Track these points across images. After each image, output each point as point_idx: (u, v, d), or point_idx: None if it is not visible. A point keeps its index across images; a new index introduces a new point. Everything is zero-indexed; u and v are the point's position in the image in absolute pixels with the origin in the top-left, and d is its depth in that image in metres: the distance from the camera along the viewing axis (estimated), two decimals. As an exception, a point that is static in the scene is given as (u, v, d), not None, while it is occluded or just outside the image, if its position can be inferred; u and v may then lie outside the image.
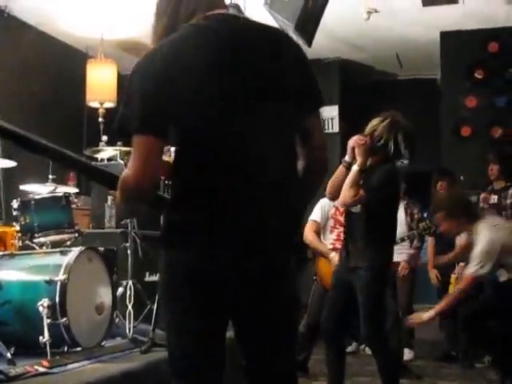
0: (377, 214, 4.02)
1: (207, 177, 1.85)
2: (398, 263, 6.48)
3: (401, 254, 6.49)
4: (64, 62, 7.57)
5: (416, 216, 6.42)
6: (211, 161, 1.85)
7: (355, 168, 4.01)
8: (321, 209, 5.55)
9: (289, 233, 1.96)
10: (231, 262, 1.84)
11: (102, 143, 5.77)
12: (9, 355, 3.47)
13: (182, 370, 1.95)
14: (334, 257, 5.36)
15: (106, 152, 5.40)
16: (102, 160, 5.64)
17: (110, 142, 5.59)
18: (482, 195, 6.21)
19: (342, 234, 5.44)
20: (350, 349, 6.81)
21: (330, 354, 4.28)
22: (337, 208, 5.51)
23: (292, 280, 1.99)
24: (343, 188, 3.99)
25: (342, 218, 5.48)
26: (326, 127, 8.66)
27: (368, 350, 6.70)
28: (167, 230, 1.94)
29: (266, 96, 1.88)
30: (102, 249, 4.34)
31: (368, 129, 4.14)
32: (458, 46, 7.75)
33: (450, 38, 7.75)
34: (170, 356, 1.99)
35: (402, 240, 6.01)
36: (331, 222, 5.56)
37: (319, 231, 5.58)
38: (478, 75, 7.66)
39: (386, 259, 4.11)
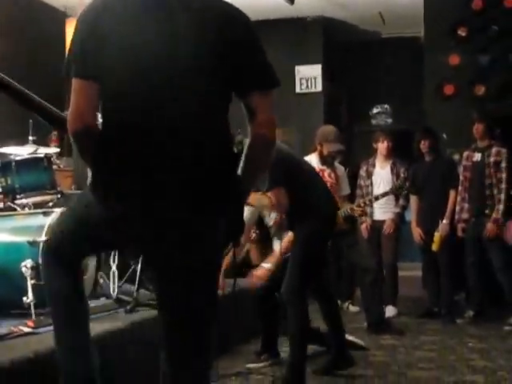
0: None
1: (120, 132, 1.97)
2: (382, 221, 6.53)
3: (386, 212, 6.54)
4: (42, 22, 7.44)
5: (402, 175, 6.44)
6: (128, 118, 1.96)
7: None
8: None
9: (206, 194, 1.99)
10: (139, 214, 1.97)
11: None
12: (-8, 316, 3.46)
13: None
14: None
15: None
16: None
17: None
18: (466, 153, 6.23)
19: None
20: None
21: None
22: (322, 171, 5.51)
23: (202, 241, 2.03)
24: None
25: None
26: (309, 86, 8.63)
27: (352, 308, 6.78)
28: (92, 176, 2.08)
29: (192, 64, 1.96)
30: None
31: None
32: (442, 3, 7.70)
33: (433, -4, 7.71)
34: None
35: (376, 198, 6.04)
36: None
37: None
38: (462, 33, 7.63)
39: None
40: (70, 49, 2.01)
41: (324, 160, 5.52)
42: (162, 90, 1.96)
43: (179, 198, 1.96)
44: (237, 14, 2.08)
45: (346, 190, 5.77)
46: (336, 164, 5.70)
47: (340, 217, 5.43)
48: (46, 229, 3.77)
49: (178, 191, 1.96)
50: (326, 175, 5.54)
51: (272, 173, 3.47)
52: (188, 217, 1.98)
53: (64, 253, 2.34)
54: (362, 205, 5.89)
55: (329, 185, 5.54)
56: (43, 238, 3.74)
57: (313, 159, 5.55)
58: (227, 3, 2.10)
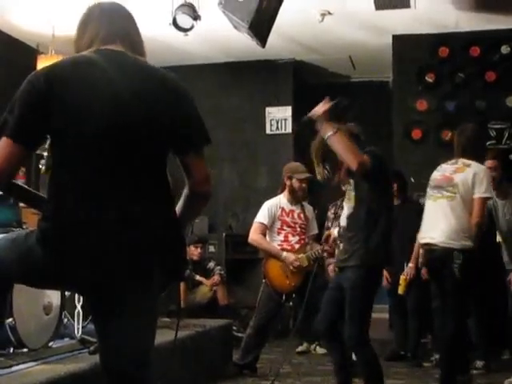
0: (372, 209, 3.94)
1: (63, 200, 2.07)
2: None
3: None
4: (14, 58, 7.43)
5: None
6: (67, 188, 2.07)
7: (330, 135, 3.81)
8: (267, 210, 5.56)
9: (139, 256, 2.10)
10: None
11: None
12: None
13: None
14: (287, 256, 5.39)
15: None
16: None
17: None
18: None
19: (289, 236, 5.49)
20: (300, 349, 6.85)
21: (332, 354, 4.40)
22: (283, 209, 5.54)
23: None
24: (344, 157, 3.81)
25: (288, 219, 5.51)
26: (279, 128, 8.70)
27: (319, 350, 6.75)
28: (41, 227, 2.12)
29: (132, 130, 2.09)
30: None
31: None
32: (410, 49, 7.86)
33: (401, 42, 7.86)
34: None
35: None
36: (278, 224, 5.57)
37: (265, 233, 5.57)
38: (429, 79, 7.78)
39: (379, 259, 4.05)
40: (11, 108, 2.06)
41: (294, 197, 5.53)
42: (111, 154, 2.08)
43: (119, 255, 2.07)
44: (170, 78, 2.22)
45: (315, 230, 5.79)
46: (305, 204, 5.73)
47: (309, 258, 5.46)
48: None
49: (120, 250, 2.07)
50: (296, 216, 5.57)
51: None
52: (127, 275, 2.09)
53: None
54: (332, 245, 5.92)
55: (298, 226, 5.58)
56: (7, 276, 3.69)
57: (282, 201, 5.57)
58: (160, 69, 2.25)
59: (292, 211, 5.57)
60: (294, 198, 5.57)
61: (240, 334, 6.32)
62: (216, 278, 7.19)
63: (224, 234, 8.08)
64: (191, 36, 6.67)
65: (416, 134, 7.82)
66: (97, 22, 2.25)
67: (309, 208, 5.77)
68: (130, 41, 2.25)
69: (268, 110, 8.70)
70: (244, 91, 8.66)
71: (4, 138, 2.04)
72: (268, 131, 8.72)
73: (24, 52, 7.70)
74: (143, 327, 2.18)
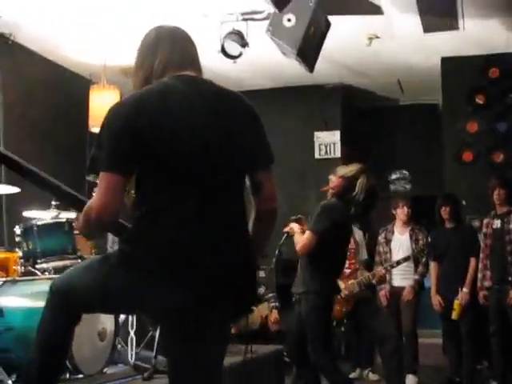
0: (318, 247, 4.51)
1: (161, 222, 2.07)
2: (402, 288, 6.47)
3: (405, 279, 6.49)
4: (67, 89, 7.62)
5: (421, 242, 6.42)
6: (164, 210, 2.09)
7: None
8: None
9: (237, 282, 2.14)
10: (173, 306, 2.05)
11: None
12: (10, 383, 3.45)
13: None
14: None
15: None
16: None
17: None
18: (486, 220, 6.20)
19: None
20: (353, 375, 6.77)
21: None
22: None
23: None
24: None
25: None
26: (328, 152, 8.70)
27: (372, 376, 6.67)
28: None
29: (220, 151, 2.13)
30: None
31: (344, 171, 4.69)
32: (459, 71, 7.78)
33: (450, 64, 7.79)
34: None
35: (398, 263, 6.02)
36: None
37: None
38: (479, 100, 7.68)
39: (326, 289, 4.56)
40: (98, 144, 2.09)
41: None
42: (202, 178, 2.11)
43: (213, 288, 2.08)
44: (241, 98, 2.27)
45: (364, 255, 5.75)
46: (355, 229, 5.69)
47: (360, 284, 5.42)
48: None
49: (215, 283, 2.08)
50: None
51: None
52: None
53: (71, 301, 2.32)
54: (383, 271, 5.87)
55: (348, 250, 5.55)
56: (63, 303, 3.75)
57: None
58: (234, 92, 2.28)
59: None
60: None
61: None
62: (273, 316, 7.16)
63: (274, 260, 8.06)
64: (239, 63, 6.74)
65: (467, 156, 7.71)
66: (168, 47, 2.24)
67: (359, 233, 5.73)
68: (197, 66, 2.28)
69: (316, 134, 8.71)
70: (292, 116, 8.69)
71: (101, 174, 2.06)
72: (317, 156, 8.72)
73: (78, 82, 7.89)
74: (219, 353, 2.20)
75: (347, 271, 5.48)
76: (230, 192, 2.17)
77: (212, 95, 2.19)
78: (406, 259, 6.00)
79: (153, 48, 2.25)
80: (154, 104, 2.09)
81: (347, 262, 5.50)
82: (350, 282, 5.40)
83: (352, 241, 5.57)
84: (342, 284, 5.36)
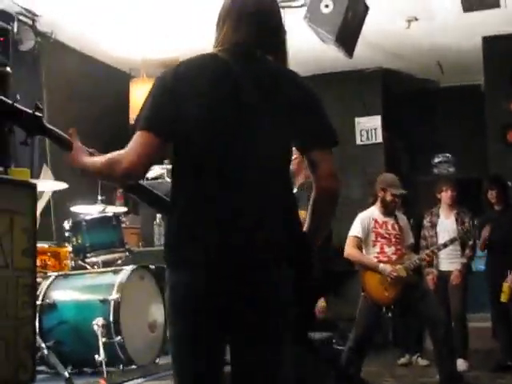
0: None
1: (196, 188, 2.03)
2: (449, 272, 6.41)
3: (452, 262, 6.43)
4: (108, 84, 7.70)
5: (467, 224, 6.34)
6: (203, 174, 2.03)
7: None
8: (360, 223, 5.50)
9: (277, 248, 2.05)
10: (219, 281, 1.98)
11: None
12: (66, 374, 3.53)
13: None
14: (384, 268, 5.32)
15: (153, 171, 5.46)
16: (148, 179, 5.70)
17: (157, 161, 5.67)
18: (533, 201, 6.11)
19: (384, 247, 5.42)
20: (402, 361, 6.74)
21: None
22: (376, 221, 5.47)
23: (282, 294, 2.08)
24: None
25: (382, 231, 5.44)
26: (369, 138, 8.63)
27: (421, 361, 6.63)
28: (164, 247, 2.08)
29: (261, 124, 2.05)
30: (153, 267, 4.38)
31: None
32: (501, 50, 7.64)
33: (492, 43, 7.65)
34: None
35: (445, 246, 5.97)
36: (372, 236, 5.49)
37: (360, 246, 5.52)
38: (523, 78, 7.55)
39: None
40: (142, 107, 2.09)
41: (386, 208, 5.47)
42: (237, 156, 2.04)
43: (252, 255, 2.01)
44: (301, 80, 2.19)
45: (410, 240, 5.68)
46: (398, 214, 5.64)
47: (407, 268, 5.37)
48: (116, 287, 3.85)
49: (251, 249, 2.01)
50: (390, 227, 5.50)
51: None
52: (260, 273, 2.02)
53: None
54: (430, 254, 5.81)
55: (393, 236, 5.52)
56: (113, 296, 3.82)
57: (374, 212, 5.51)
58: (292, 71, 2.19)
59: (385, 222, 5.50)
60: (387, 210, 5.51)
61: (340, 347, 6.27)
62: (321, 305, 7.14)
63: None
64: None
65: (511, 136, 7.59)
66: (233, 23, 2.16)
67: (403, 218, 5.67)
68: (266, 45, 2.17)
69: (357, 120, 8.65)
70: (332, 102, 8.61)
71: (138, 133, 2.04)
72: (358, 142, 8.67)
73: (118, 77, 7.97)
74: (282, 353, 2.12)
75: (394, 257, 5.45)
76: (269, 170, 2.07)
77: (260, 66, 2.12)
78: (452, 241, 5.94)
79: (221, 22, 2.19)
80: (190, 72, 2.09)
81: (393, 248, 5.48)
82: (397, 267, 5.36)
83: (396, 227, 5.54)
84: (389, 269, 5.33)
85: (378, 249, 5.46)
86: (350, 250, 5.48)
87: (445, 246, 5.97)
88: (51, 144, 6.42)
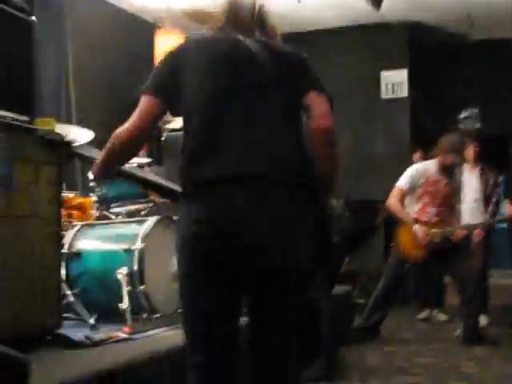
0: None
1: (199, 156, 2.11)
2: (473, 226, 6.37)
3: (475, 220, 6.40)
4: (134, 34, 7.65)
5: (491, 182, 6.29)
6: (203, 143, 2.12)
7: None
8: (410, 176, 5.43)
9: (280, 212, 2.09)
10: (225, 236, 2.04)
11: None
12: (92, 321, 3.60)
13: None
14: (418, 229, 5.29)
15: (175, 122, 5.47)
16: (172, 130, 5.73)
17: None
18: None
19: (427, 206, 5.36)
20: (421, 315, 6.78)
21: None
22: (428, 177, 5.37)
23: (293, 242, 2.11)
24: None
25: (431, 189, 5.35)
26: (395, 92, 8.52)
27: (441, 316, 6.67)
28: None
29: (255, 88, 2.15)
30: (177, 218, 4.38)
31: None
32: (534, 2, 7.46)
33: (524, -4, 7.47)
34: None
35: (473, 203, 5.96)
36: (419, 191, 5.42)
37: (404, 198, 5.45)
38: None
39: None
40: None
41: (443, 170, 5.41)
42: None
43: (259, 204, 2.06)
44: (295, 52, 2.29)
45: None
46: (459, 175, 5.60)
47: (443, 235, 5.34)
48: (140, 237, 3.89)
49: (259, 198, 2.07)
50: (441, 187, 5.42)
51: None
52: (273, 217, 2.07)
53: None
54: (464, 232, 5.76)
55: (440, 197, 5.41)
56: (137, 245, 3.86)
57: (431, 168, 5.45)
58: (286, 45, 2.30)
59: (438, 181, 5.41)
60: (444, 171, 5.43)
61: (361, 301, 6.32)
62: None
63: (342, 201, 8.05)
64: (304, 2, 6.65)
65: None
66: (233, 5, 2.31)
67: (459, 178, 5.60)
68: (261, 27, 2.30)
69: (383, 73, 8.53)
70: (359, 55, 8.52)
71: (142, 97, 2.21)
72: (383, 96, 8.56)
73: (143, 27, 7.91)
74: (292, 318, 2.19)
75: (434, 219, 5.37)
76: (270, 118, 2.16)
77: (261, 45, 2.21)
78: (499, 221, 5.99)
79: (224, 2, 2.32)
80: (193, 49, 2.22)
81: (436, 209, 5.40)
82: (432, 231, 5.32)
83: (449, 188, 5.45)
84: (421, 234, 5.30)
85: (420, 205, 5.40)
86: (391, 200, 5.43)
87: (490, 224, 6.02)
88: (77, 97, 6.42)
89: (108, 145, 2.28)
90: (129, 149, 2.27)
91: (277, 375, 2.15)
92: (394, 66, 8.51)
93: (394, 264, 5.48)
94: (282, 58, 2.23)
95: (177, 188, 2.44)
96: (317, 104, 2.19)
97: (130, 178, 3.90)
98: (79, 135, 4.32)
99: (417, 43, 8.66)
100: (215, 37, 2.25)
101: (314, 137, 2.17)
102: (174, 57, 2.24)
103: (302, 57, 2.29)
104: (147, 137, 2.29)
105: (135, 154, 2.36)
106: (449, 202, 5.44)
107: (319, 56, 8.17)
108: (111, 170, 2.51)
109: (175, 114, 2.50)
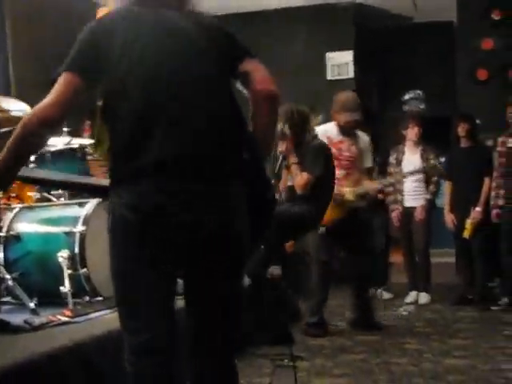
0: None
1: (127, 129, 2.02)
2: (413, 208, 6.49)
3: (417, 199, 6.50)
4: (75, 12, 7.48)
5: (432, 161, 6.39)
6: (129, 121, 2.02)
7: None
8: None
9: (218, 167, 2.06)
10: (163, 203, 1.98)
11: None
12: (32, 305, 3.53)
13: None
14: None
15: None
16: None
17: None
18: (501, 138, 6.15)
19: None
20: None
21: None
22: (330, 138, 5.10)
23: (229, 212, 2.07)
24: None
25: (334, 151, 5.01)
26: (340, 73, 8.56)
27: (386, 295, 6.76)
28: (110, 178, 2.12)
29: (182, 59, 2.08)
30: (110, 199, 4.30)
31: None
32: (474, -13, 7.59)
33: (466, -22, 7.59)
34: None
35: (411, 174, 6.05)
36: None
37: None
38: (495, 16, 7.51)
39: None
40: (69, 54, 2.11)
41: (343, 130, 5.17)
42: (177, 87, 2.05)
43: (194, 171, 2.02)
44: (219, 24, 2.24)
45: (368, 163, 5.33)
46: (360, 134, 5.30)
47: (355, 193, 5.09)
48: (81, 219, 3.83)
49: (193, 165, 2.02)
50: (345, 148, 5.17)
51: None
52: (205, 189, 2.02)
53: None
54: (379, 186, 5.70)
55: (346, 159, 5.14)
56: (79, 228, 3.81)
57: (332, 129, 5.22)
58: (212, 18, 2.28)
59: (340, 142, 5.16)
60: (343, 130, 5.18)
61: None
62: None
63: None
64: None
65: (481, 74, 7.60)
66: None
67: (364, 139, 5.30)
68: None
69: (328, 55, 8.55)
70: (304, 37, 8.52)
71: (62, 75, 2.05)
72: (329, 77, 8.60)
73: (85, 5, 7.74)
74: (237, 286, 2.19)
75: (344, 181, 5.08)
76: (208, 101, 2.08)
77: (193, 21, 2.16)
78: (410, 174, 6.04)
79: None
80: (111, 25, 2.11)
81: (343, 171, 5.12)
82: (344, 189, 5.06)
83: (353, 148, 5.18)
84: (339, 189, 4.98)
85: None
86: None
87: (411, 174, 6.09)
88: (15, 71, 6.23)
89: (14, 135, 2.04)
90: (44, 129, 2.06)
91: (216, 334, 2.14)
92: (339, 47, 8.53)
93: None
94: (209, 29, 2.17)
95: (103, 183, 2.26)
96: (256, 70, 2.15)
97: (46, 183, 3.77)
98: (14, 106, 4.23)
99: (362, 25, 8.71)
100: (139, 11, 2.13)
101: (258, 101, 2.13)
102: (94, 33, 2.11)
103: (226, 29, 2.23)
104: (64, 116, 2.08)
105: (50, 135, 2.20)
106: (356, 163, 5.20)
107: (265, 36, 8.20)
108: (16, 168, 2.16)
109: (94, 93, 2.21)
